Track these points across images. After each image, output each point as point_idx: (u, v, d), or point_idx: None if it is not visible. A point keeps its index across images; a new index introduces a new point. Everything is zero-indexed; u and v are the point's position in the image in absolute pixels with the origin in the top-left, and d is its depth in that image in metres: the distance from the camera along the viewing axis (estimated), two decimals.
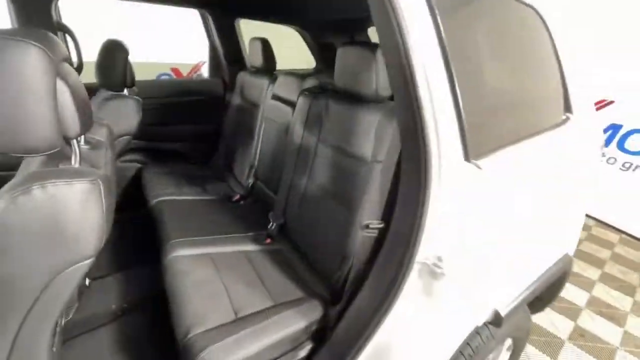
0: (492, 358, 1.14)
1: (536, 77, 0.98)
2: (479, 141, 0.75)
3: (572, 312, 2.04)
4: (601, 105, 2.95)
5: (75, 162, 0.62)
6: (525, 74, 0.95)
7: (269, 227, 1.37)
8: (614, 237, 2.88)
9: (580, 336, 1.87)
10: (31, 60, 0.50)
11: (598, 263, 2.52)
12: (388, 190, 0.90)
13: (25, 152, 0.51)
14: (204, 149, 2.10)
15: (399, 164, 0.86)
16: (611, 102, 2.91)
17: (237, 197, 1.66)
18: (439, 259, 0.79)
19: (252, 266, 1.17)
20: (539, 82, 0.99)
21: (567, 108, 1.10)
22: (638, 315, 2.05)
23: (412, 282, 0.82)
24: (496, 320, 0.82)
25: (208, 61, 2.23)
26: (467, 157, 0.73)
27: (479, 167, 0.73)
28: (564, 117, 1.09)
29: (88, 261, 0.55)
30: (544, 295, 1.25)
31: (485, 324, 0.86)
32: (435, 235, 0.78)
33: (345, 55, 1.03)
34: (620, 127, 2.89)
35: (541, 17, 0.93)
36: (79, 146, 0.63)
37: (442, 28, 0.65)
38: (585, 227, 2.98)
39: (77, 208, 0.51)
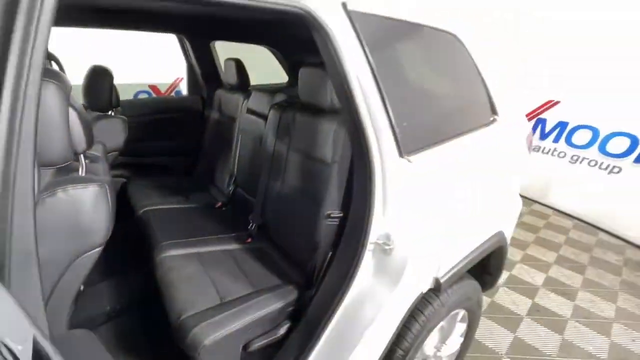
0: (447, 326, 1.32)
1: (461, 89, 1.20)
2: (410, 142, 0.94)
3: (530, 291, 2.27)
4: (548, 105, 3.28)
5: (82, 172, 0.77)
6: (450, 86, 1.16)
7: (249, 227, 1.52)
8: (568, 223, 3.18)
9: (536, 311, 2.09)
10: (51, 95, 0.65)
11: (554, 247, 2.79)
12: (344, 185, 1.09)
13: (47, 165, 0.66)
14: (185, 161, 2.23)
15: (352, 162, 1.05)
16: (557, 102, 3.25)
17: (219, 204, 1.80)
18: (388, 237, 0.98)
19: (235, 262, 1.32)
20: (464, 93, 1.21)
21: (493, 111, 1.32)
22: (587, 291, 2.30)
23: (368, 260, 1.00)
24: (437, 285, 1.01)
25: (186, 79, 2.39)
26: (400, 154, 0.93)
27: (409, 161, 0.92)
28: (491, 119, 1.32)
29: (99, 249, 0.70)
30: (491, 270, 1.46)
31: (429, 290, 1.05)
32: (383, 218, 0.97)
33: (305, 75, 1.22)
34: (566, 124, 3.22)
35: (460, 41, 1.16)
36: (84, 159, 0.78)
37: (370, 57, 0.84)
38: (544, 216, 3.27)
39: (90, 206, 0.66)
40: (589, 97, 3.04)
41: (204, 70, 2.25)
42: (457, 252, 1.08)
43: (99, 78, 1.51)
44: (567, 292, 2.28)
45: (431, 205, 1.02)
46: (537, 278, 2.41)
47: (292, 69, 2.59)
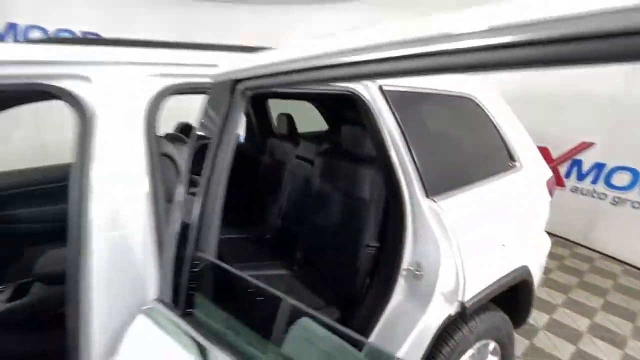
0: (478, 357, 1.42)
1: (478, 141, 1.43)
2: (434, 185, 1.17)
3: (573, 336, 2.21)
4: (582, 148, 3.32)
5: None
6: (468, 139, 1.39)
7: (295, 256, 1.77)
8: (617, 268, 3.04)
9: (580, 357, 2.04)
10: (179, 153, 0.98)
11: (601, 292, 2.68)
12: (380, 220, 1.32)
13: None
14: (242, 198, 2.58)
15: (386, 201, 1.29)
16: (591, 143, 3.27)
17: (269, 235, 2.08)
18: (419, 265, 1.17)
19: (285, 284, 1.56)
20: (481, 144, 1.44)
21: (512, 158, 1.52)
22: (638, 339, 2.19)
23: (401, 284, 1.19)
24: (462, 309, 1.16)
25: (244, 129, 2.84)
26: (427, 195, 1.15)
27: (434, 201, 1.14)
28: (509, 164, 1.51)
29: None
30: (520, 305, 1.55)
31: (458, 317, 1.19)
32: (414, 248, 1.18)
33: (347, 132, 1.53)
34: (603, 165, 3.21)
35: (477, 103, 1.41)
36: None
37: (399, 119, 1.12)
38: (588, 260, 3.16)
39: None
40: (625, 139, 3.06)
41: (259, 122, 2.67)
42: (480, 281, 1.23)
43: (184, 132, 1.93)
44: (615, 340, 2.18)
45: (455, 238, 1.21)
46: (581, 323, 2.34)
47: (331, 119, 2.95)
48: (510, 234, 1.37)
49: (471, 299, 1.19)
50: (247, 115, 2.74)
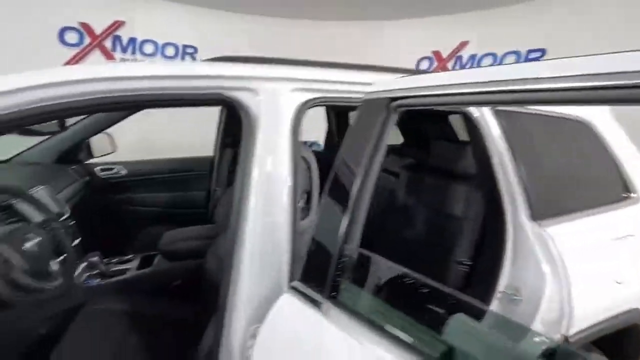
0: None
1: (590, 167, 1.34)
2: (540, 208, 1.14)
3: None
4: None
5: None
6: (579, 164, 1.31)
7: None
8: None
9: None
10: None
11: None
12: (476, 238, 1.31)
13: None
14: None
15: (484, 219, 1.28)
16: None
17: None
18: (517, 290, 1.14)
19: None
20: (593, 170, 1.34)
21: (628, 189, 1.40)
22: None
23: (495, 307, 1.17)
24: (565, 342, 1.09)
25: (324, 139, 3.01)
26: (532, 219, 1.12)
27: (539, 225, 1.11)
28: (624, 195, 1.39)
29: None
30: (628, 354, 1.39)
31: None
32: (512, 272, 1.15)
33: (440, 147, 1.55)
34: None
35: (592, 127, 1.33)
36: None
37: (509, 139, 1.12)
38: None
39: None
40: None
41: (340, 132, 2.81)
42: (587, 317, 1.15)
43: None
44: None
45: (559, 267, 1.15)
46: None
47: (409, 132, 2.98)
48: (624, 271, 1.25)
49: (575, 334, 1.12)
50: (330, 127, 2.89)
